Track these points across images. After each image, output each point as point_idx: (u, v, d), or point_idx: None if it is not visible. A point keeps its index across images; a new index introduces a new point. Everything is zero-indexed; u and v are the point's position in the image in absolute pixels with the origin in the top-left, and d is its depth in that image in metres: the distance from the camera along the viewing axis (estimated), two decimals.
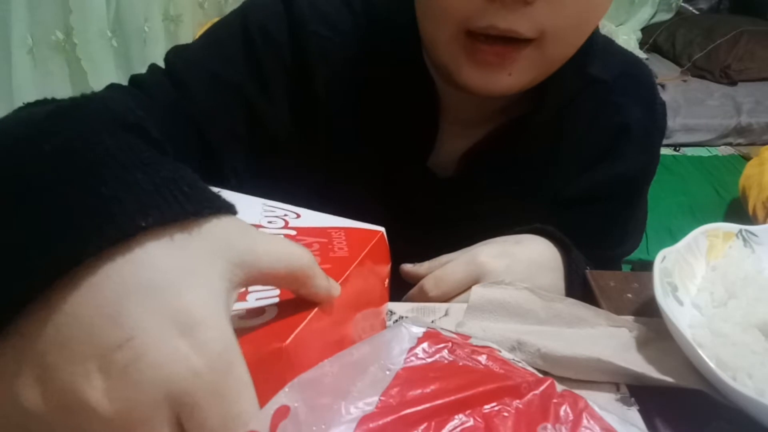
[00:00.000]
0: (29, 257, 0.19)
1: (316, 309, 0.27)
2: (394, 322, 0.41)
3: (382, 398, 0.25)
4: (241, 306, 0.27)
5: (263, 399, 0.23)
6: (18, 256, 0.19)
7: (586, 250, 0.59)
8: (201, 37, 0.56)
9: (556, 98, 0.56)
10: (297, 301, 0.28)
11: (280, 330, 0.26)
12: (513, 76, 0.47)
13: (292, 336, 0.25)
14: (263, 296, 0.28)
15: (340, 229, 0.39)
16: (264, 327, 0.26)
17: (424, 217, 0.59)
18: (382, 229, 0.40)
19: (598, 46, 0.57)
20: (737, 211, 1.84)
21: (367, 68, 0.55)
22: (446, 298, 0.47)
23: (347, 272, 0.32)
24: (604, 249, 0.63)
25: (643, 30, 3.02)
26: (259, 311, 0.27)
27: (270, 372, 0.24)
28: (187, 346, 0.19)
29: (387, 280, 0.41)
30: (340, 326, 0.31)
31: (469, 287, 0.44)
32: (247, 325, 0.26)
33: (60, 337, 0.19)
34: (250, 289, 0.29)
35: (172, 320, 0.19)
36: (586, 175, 0.60)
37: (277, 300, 0.28)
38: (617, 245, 0.66)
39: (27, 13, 1.65)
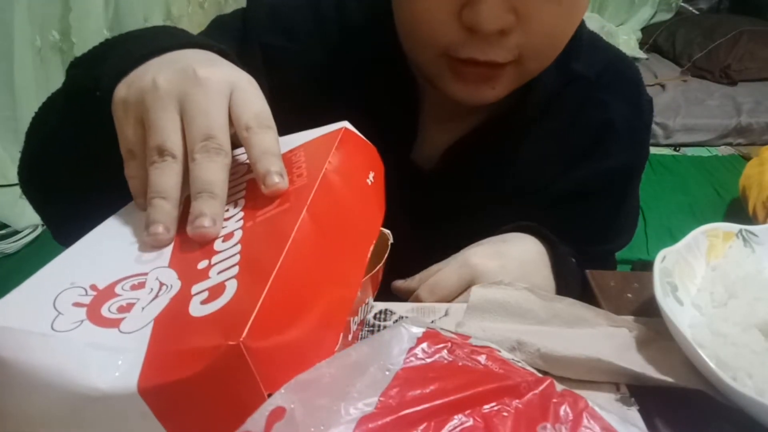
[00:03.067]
0: (160, 45, 0.37)
1: (277, 267, 0.25)
2: (394, 322, 0.41)
3: (381, 399, 0.25)
4: (203, 285, 0.26)
5: (238, 407, 0.23)
6: (151, 45, 0.37)
7: (576, 246, 0.60)
8: None
9: (539, 95, 0.56)
10: (258, 263, 0.26)
11: (237, 315, 0.24)
12: (497, 89, 0.49)
13: (249, 324, 0.23)
14: (225, 266, 0.27)
15: (299, 147, 0.37)
16: (220, 313, 0.24)
17: (410, 210, 0.59)
18: (344, 124, 0.38)
19: (583, 42, 0.58)
20: (737, 211, 1.84)
21: (341, 69, 0.56)
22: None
23: (307, 202, 0.30)
24: (595, 245, 0.63)
25: (643, 30, 3.03)
26: (219, 289, 0.26)
27: (236, 373, 0.23)
28: (231, 67, 0.36)
29: (373, 175, 0.39)
30: (318, 270, 0.29)
31: (464, 291, 0.44)
32: (205, 313, 0.24)
33: (168, 61, 0.36)
34: (213, 260, 0.28)
35: (211, 59, 0.37)
36: (570, 172, 0.61)
37: (237, 269, 0.27)
38: (608, 241, 0.66)
39: (28, 14, 1.65)
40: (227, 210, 0.32)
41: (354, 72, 0.56)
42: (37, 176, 0.48)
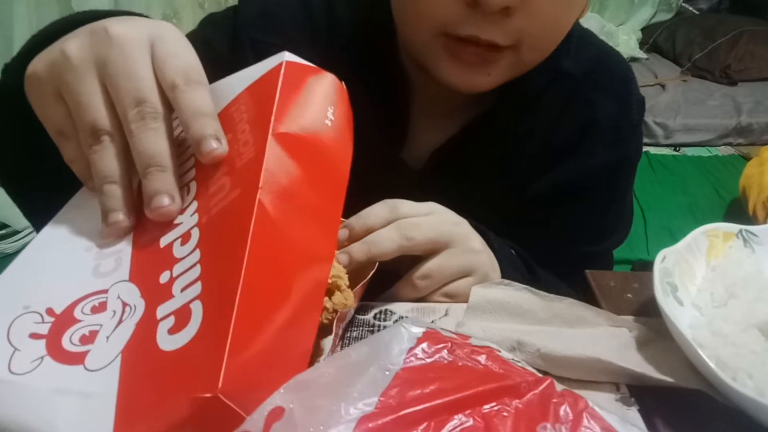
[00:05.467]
0: (74, 20, 0.36)
1: (240, 286, 0.23)
2: (394, 322, 0.41)
3: (381, 399, 0.25)
4: (168, 307, 0.24)
5: None
6: (65, 22, 0.38)
7: (564, 246, 0.59)
8: None
9: (523, 91, 0.56)
10: (220, 278, 0.24)
11: (208, 355, 0.22)
12: (492, 76, 0.49)
13: (223, 369, 0.21)
14: (187, 281, 0.25)
15: (239, 97, 0.32)
16: (190, 349, 0.22)
17: None
18: (284, 56, 0.33)
19: (572, 39, 0.58)
20: (737, 211, 1.84)
21: (330, 68, 0.56)
22: (368, 230, 0.43)
23: (259, 182, 0.26)
24: (583, 245, 0.63)
25: (643, 30, 3.03)
26: (185, 314, 0.23)
27: (217, 415, 0.21)
28: (148, 21, 0.33)
29: (332, 110, 0.33)
30: (286, 262, 0.26)
31: (390, 222, 0.42)
32: (174, 346, 0.23)
33: (79, 31, 0.32)
34: (175, 270, 0.26)
35: (125, 18, 0.34)
36: (554, 171, 0.60)
37: (200, 286, 0.24)
38: (596, 241, 0.65)
39: (27, 14, 1.65)
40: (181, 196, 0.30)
41: (343, 70, 0.56)
42: (5, 179, 0.48)
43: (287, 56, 0.33)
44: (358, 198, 0.44)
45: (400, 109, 0.58)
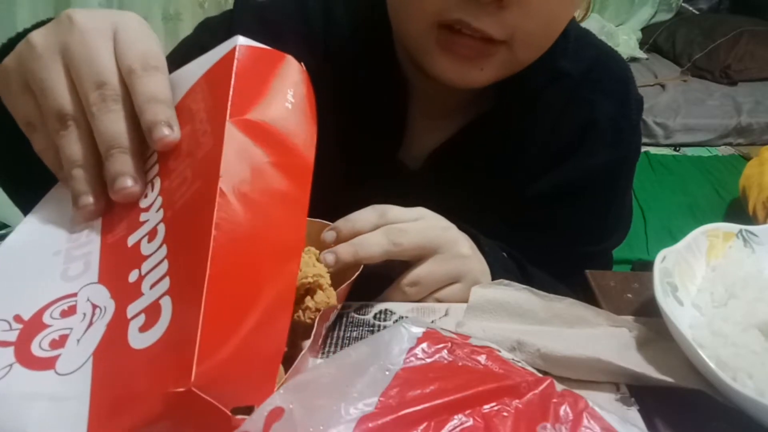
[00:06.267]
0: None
1: (207, 278, 0.23)
2: (394, 322, 0.41)
3: (381, 399, 0.25)
4: (138, 306, 0.24)
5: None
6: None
7: (564, 246, 0.59)
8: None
9: (522, 91, 0.56)
10: (187, 271, 0.24)
11: (179, 349, 0.21)
12: (485, 71, 0.48)
13: (194, 362, 0.21)
14: (156, 277, 0.25)
15: (195, 86, 0.32)
16: (162, 344, 0.22)
17: None
18: (236, 40, 0.32)
19: (570, 39, 0.58)
20: (737, 211, 1.84)
21: (328, 73, 0.55)
22: (356, 234, 0.43)
23: (219, 173, 0.26)
24: (583, 245, 0.63)
25: (643, 30, 3.03)
26: (155, 311, 0.23)
27: (193, 409, 0.21)
28: (113, 11, 0.33)
29: (292, 93, 0.33)
30: (253, 253, 0.26)
31: (378, 227, 0.42)
32: (145, 344, 0.22)
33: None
34: (143, 268, 0.25)
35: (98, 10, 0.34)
36: (554, 171, 0.60)
37: (168, 282, 0.24)
38: (596, 241, 0.65)
39: (28, 13, 1.65)
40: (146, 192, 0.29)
41: (341, 75, 0.56)
42: (2, 179, 0.49)
43: (240, 40, 0.32)
44: (355, 197, 0.44)
45: (398, 110, 0.58)
